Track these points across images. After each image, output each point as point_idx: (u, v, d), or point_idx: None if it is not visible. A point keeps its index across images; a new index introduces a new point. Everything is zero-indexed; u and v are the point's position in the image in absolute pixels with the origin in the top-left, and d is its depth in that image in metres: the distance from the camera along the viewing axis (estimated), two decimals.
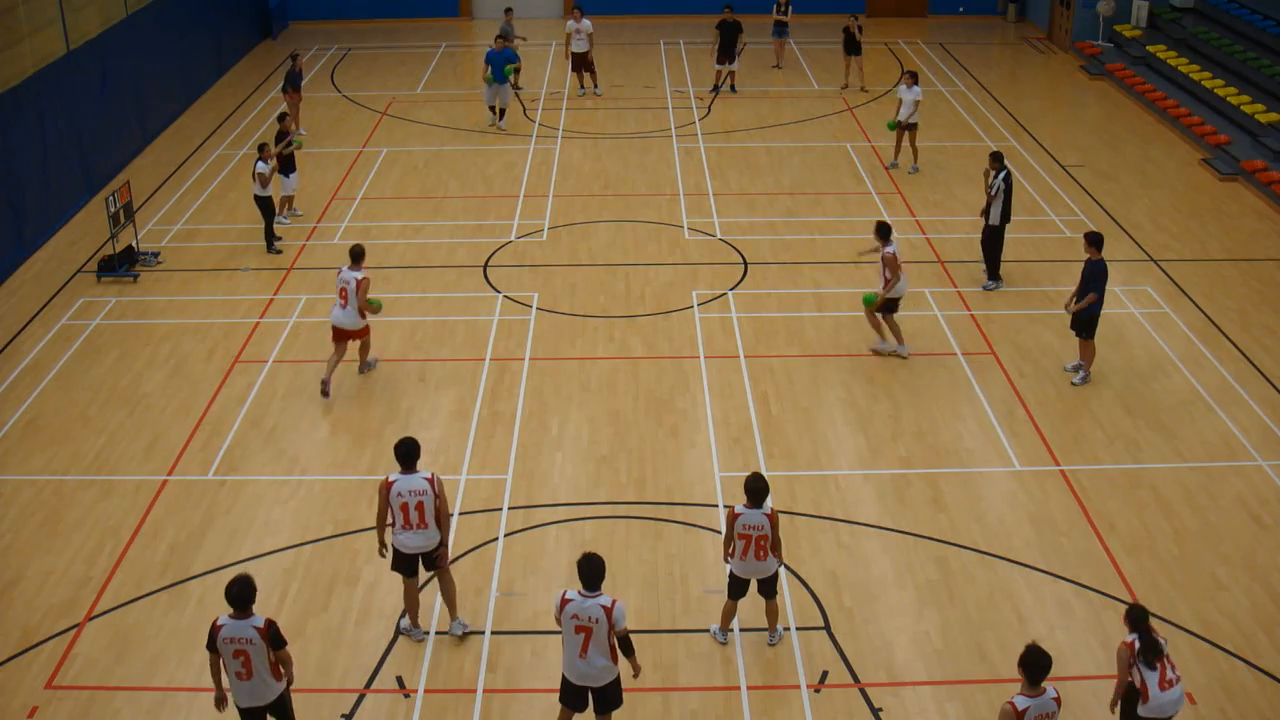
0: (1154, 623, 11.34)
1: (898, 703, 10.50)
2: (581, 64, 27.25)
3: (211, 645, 9.16)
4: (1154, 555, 12.30)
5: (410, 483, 10.57)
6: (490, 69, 24.45)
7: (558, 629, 9.48)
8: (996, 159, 17.59)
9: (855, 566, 12.15)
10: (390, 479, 10.61)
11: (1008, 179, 17.38)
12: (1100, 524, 12.77)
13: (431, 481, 10.59)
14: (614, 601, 9.28)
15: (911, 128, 22.05)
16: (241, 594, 9.08)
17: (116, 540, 12.63)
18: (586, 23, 26.87)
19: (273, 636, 9.14)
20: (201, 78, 27.83)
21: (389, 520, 10.67)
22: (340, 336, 14.99)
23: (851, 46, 27.12)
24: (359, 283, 14.66)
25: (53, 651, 11.14)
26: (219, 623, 9.10)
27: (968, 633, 11.27)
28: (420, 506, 10.54)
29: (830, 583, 11.92)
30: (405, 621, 11.22)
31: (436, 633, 11.31)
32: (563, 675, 9.58)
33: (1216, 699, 10.50)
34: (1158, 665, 8.92)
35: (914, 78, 21.92)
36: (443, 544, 10.81)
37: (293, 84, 24.07)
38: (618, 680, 9.55)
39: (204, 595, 11.83)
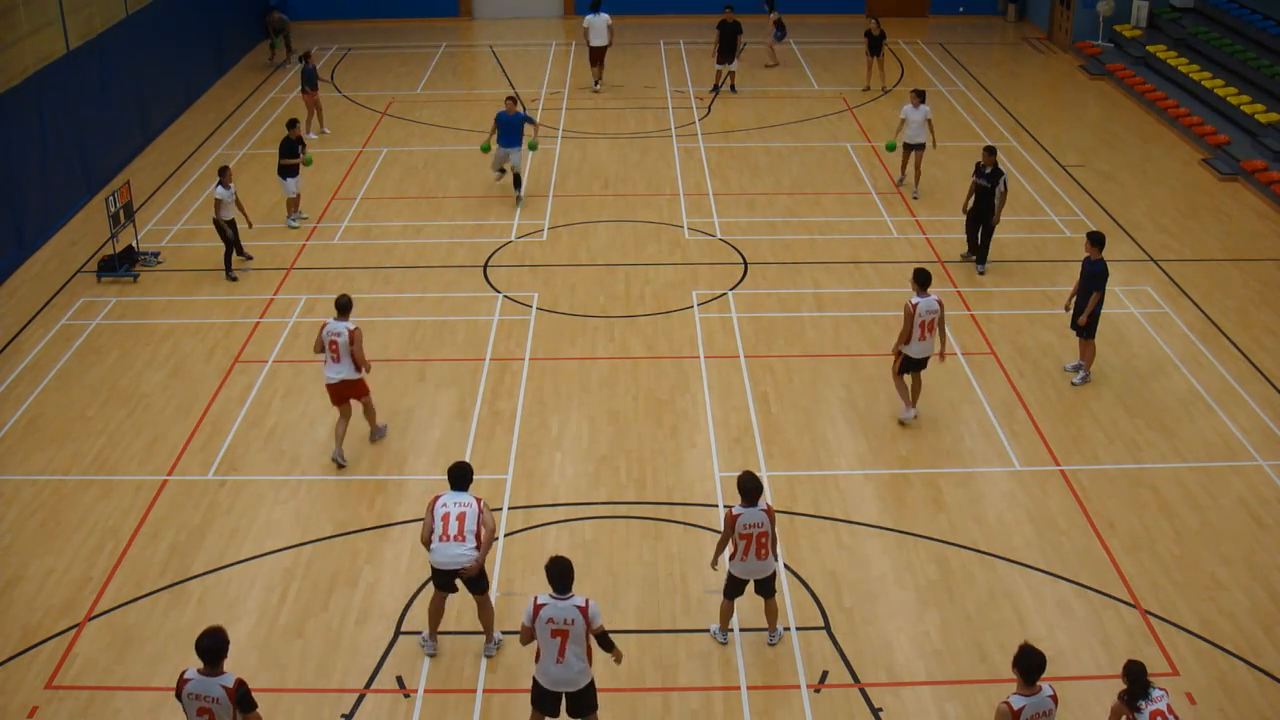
0: (1154, 625, 11.37)
1: (898, 703, 10.50)
2: (594, 57, 27.71)
3: (178, 695, 8.49)
4: (1154, 555, 12.30)
5: (457, 496, 10.55)
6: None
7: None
8: (991, 153, 17.69)
9: (855, 566, 12.15)
10: (437, 495, 10.60)
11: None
12: (1100, 524, 12.77)
13: (479, 501, 10.55)
14: (588, 601, 9.26)
15: (920, 149, 20.83)
16: (212, 646, 8.38)
17: (116, 540, 12.63)
18: (598, 18, 27.25)
19: (241, 699, 8.40)
20: (201, 78, 27.83)
21: (430, 533, 10.52)
22: (339, 396, 13.62)
23: (874, 47, 27.13)
24: (352, 334, 13.31)
25: (53, 651, 11.14)
26: (186, 675, 8.46)
27: (968, 633, 11.26)
28: (462, 517, 10.42)
29: (830, 583, 11.91)
30: (425, 632, 11.12)
31: (437, 633, 11.31)
32: (534, 681, 9.49)
33: (1216, 699, 10.49)
34: (1144, 707, 8.67)
35: (920, 96, 20.69)
36: (475, 562, 10.46)
37: (309, 82, 24.04)
38: (593, 683, 9.52)
39: (204, 595, 11.82)
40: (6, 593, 11.89)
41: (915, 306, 13.88)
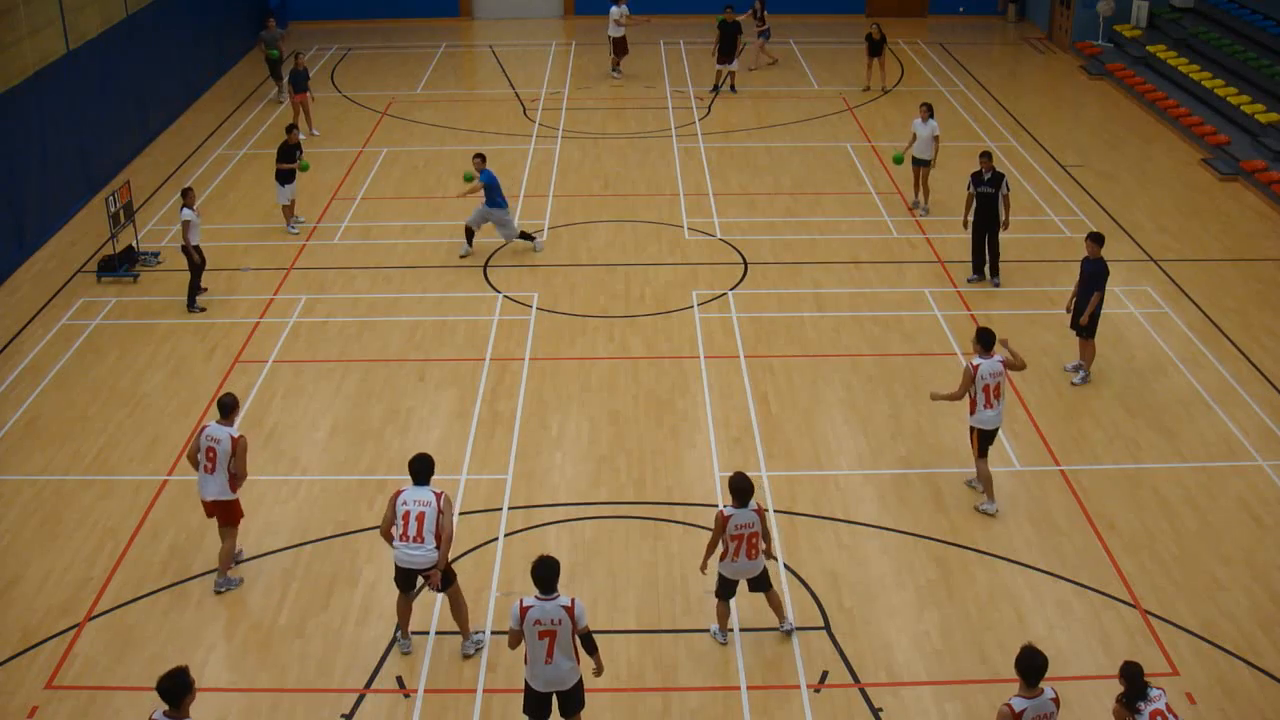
0: (1154, 625, 11.37)
1: (898, 703, 10.50)
2: (615, 47, 28.68)
3: None
4: (1154, 555, 12.30)
5: (417, 493, 10.46)
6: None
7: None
8: (987, 158, 17.53)
9: (855, 566, 12.15)
10: (400, 490, 10.54)
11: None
12: (1100, 524, 12.77)
13: (439, 497, 10.45)
14: (573, 600, 9.24)
15: (926, 164, 20.25)
16: (172, 688, 8.09)
17: (116, 540, 12.63)
18: (616, 10, 28.22)
19: None
20: (201, 78, 27.83)
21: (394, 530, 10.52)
22: (213, 512, 11.65)
23: (874, 49, 27.14)
24: (235, 442, 11.30)
25: (53, 651, 11.14)
26: (153, 717, 8.26)
27: (968, 633, 11.26)
28: (421, 517, 10.35)
29: (830, 583, 11.91)
30: (397, 632, 11.18)
31: (437, 632, 11.31)
32: (526, 685, 9.47)
33: (1216, 699, 10.49)
34: (1143, 708, 8.65)
35: (929, 110, 20.11)
36: (435, 566, 10.42)
37: (297, 84, 24.05)
38: (581, 681, 9.53)
39: (204, 595, 11.82)
40: (6, 593, 11.89)
41: (977, 369, 12.52)
